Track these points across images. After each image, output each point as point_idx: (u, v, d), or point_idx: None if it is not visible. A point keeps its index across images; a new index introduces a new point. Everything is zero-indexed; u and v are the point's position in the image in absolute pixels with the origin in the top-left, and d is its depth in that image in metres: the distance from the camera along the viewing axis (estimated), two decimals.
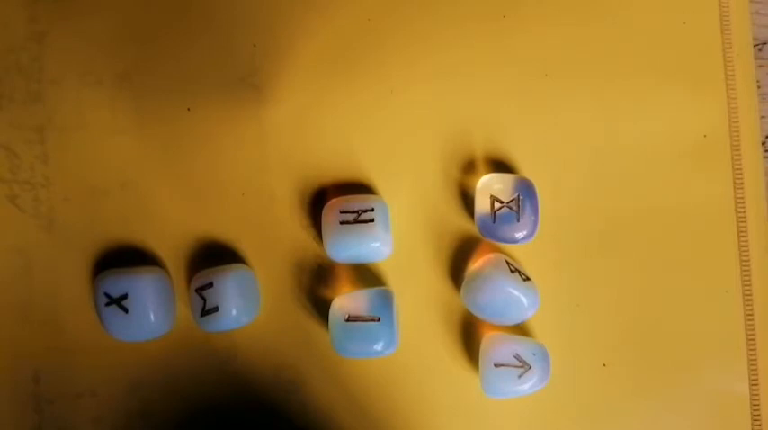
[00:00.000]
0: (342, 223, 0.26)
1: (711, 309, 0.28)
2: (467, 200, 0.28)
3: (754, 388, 0.28)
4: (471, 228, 0.28)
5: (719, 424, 0.28)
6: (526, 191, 0.26)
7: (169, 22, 0.28)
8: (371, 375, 0.27)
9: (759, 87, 0.30)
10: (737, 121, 0.29)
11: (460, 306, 0.27)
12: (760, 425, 0.28)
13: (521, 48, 0.28)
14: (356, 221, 0.26)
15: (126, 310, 0.26)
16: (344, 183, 0.28)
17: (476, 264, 0.27)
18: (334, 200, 0.27)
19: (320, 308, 0.27)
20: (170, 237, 0.28)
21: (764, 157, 0.29)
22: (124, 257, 0.27)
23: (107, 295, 0.26)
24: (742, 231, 0.28)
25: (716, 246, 0.28)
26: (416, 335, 0.28)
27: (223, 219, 0.28)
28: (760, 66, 0.30)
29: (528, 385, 0.26)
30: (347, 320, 0.26)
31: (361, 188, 0.28)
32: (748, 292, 0.28)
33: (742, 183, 0.28)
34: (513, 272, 0.26)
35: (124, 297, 0.26)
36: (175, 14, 0.28)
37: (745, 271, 0.28)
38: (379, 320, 0.26)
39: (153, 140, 0.28)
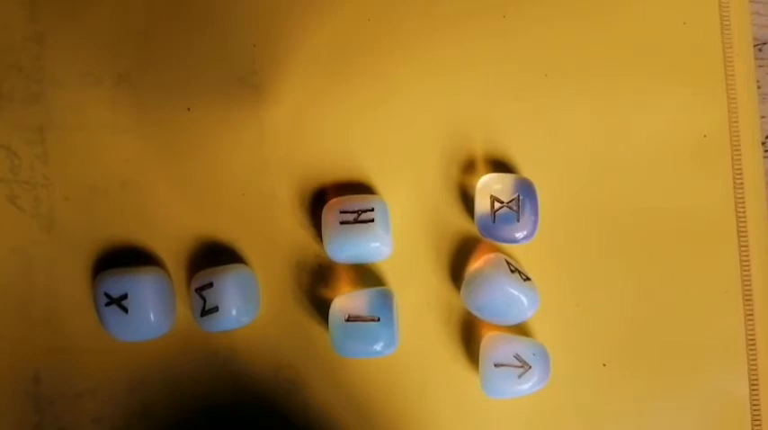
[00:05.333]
0: (342, 223, 0.26)
1: (711, 310, 0.28)
2: (467, 200, 0.28)
3: (754, 388, 0.28)
4: (471, 228, 0.28)
5: (719, 424, 0.28)
6: (526, 191, 0.26)
7: (169, 21, 0.28)
8: (371, 375, 0.27)
9: (759, 87, 0.30)
10: (737, 121, 0.29)
11: (460, 306, 0.27)
12: (760, 425, 0.28)
13: (521, 47, 0.28)
14: (356, 221, 0.26)
15: (126, 310, 0.26)
16: (344, 183, 0.28)
17: (476, 264, 0.27)
18: (334, 200, 0.27)
19: (320, 308, 0.27)
20: (170, 237, 0.28)
21: (764, 157, 0.29)
22: (124, 257, 0.27)
23: (107, 295, 0.26)
24: (742, 231, 0.28)
25: (716, 246, 0.28)
26: (416, 335, 0.28)
27: (223, 219, 0.28)
28: (760, 66, 0.30)
29: (528, 385, 0.26)
30: (347, 320, 0.26)
31: (361, 188, 0.28)
32: (748, 293, 0.28)
33: (742, 183, 0.28)
34: (513, 272, 0.26)
35: (124, 297, 0.26)
36: (175, 14, 0.28)
37: (745, 271, 0.28)
38: (379, 320, 0.26)
39: (153, 140, 0.28)
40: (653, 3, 0.29)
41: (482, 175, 0.27)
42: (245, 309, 0.26)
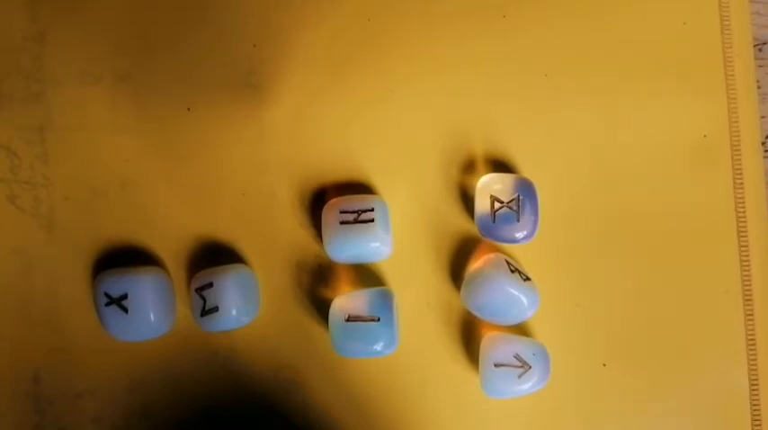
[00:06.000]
0: (342, 223, 0.26)
1: (711, 309, 0.28)
2: (467, 200, 0.28)
3: (754, 387, 0.28)
4: (471, 228, 0.28)
5: (719, 423, 0.28)
6: (526, 191, 0.26)
7: (169, 22, 0.28)
8: (371, 375, 0.27)
9: (759, 87, 0.30)
10: (737, 121, 0.29)
11: (460, 306, 0.27)
12: (760, 424, 0.28)
13: (521, 47, 0.28)
14: (356, 221, 0.26)
15: (126, 310, 0.26)
16: (344, 183, 0.28)
17: (476, 264, 0.27)
18: (334, 200, 0.27)
19: (320, 308, 0.27)
20: (170, 237, 0.28)
21: (764, 157, 0.29)
22: (124, 257, 0.27)
23: (107, 295, 0.26)
24: (742, 231, 0.28)
25: (716, 246, 0.28)
26: (416, 335, 0.28)
27: (223, 219, 0.28)
28: (760, 66, 0.30)
29: (528, 385, 0.26)
30: (347, 320, 0.26)
31: (361, 188, 0.28)
32: (748, 292, 0.28)
33: (742, 183, 0.28)
34: (513, 272, 0.26)
35: (124, 297, 0.26)
36: (175, 14, 0.28)
37: (745, 271, 0.28)
38: (378, 320, 0.26)
39: (153, 140, 0.28)
40: (653, 3, 0.29)
41: (482, 175, 0.27)
42: (245, 309, 0.26)
